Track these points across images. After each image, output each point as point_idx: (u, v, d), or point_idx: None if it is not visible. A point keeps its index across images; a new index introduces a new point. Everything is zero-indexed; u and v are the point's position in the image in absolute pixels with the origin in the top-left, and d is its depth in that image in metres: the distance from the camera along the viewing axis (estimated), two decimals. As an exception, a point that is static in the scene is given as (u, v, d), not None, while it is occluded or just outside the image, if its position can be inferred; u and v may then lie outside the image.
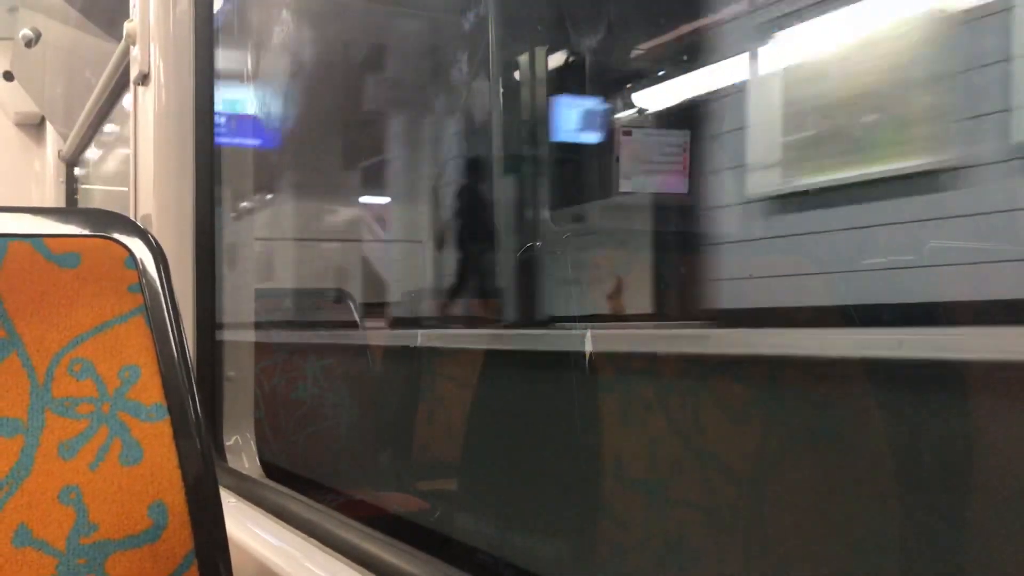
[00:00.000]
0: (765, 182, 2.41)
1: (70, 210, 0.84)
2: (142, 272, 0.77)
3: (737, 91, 2.56)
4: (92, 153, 3.30)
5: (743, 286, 2.19)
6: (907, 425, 0.87)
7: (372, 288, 3.38)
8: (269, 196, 3.26)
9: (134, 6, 1.61)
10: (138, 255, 0.77)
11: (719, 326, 2.05)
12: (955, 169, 1.84)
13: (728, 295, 2.24)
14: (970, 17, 1.79)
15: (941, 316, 1.44)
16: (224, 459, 1.47)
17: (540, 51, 3.57)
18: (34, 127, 3.94)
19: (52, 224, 0.76)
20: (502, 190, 3.52)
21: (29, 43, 3.47)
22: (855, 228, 2.04)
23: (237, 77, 1.88)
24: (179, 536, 0.72)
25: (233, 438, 1.50)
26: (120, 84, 2.34)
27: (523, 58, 3.66)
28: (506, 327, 2.72)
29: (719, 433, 0.95)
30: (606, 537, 1.00)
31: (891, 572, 0.89)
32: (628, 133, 3.11)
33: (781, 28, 2.21)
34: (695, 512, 0.94)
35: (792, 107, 2.33)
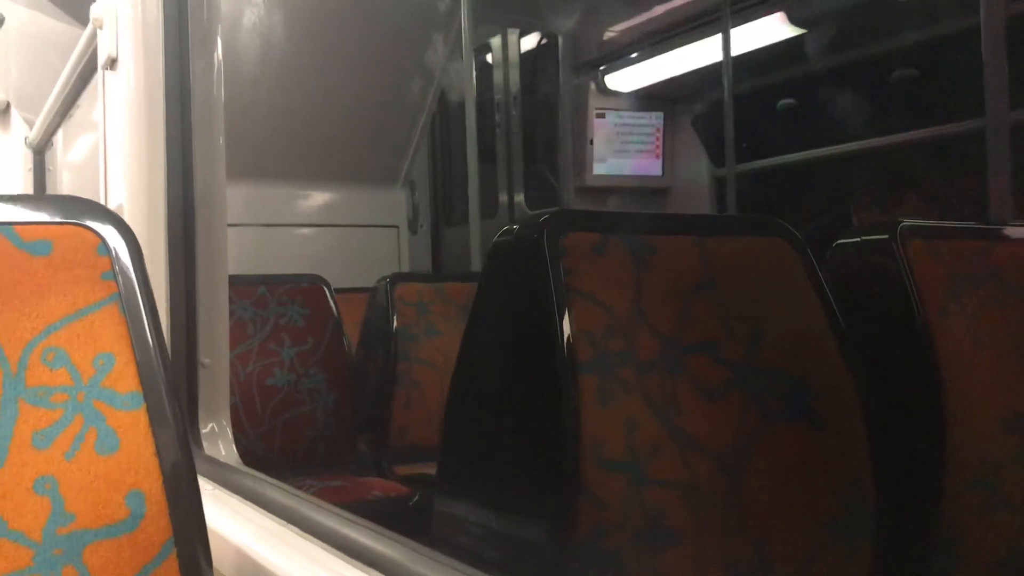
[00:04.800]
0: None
1: (40, 197, 0.82)
2: (115, 259, 0.76)
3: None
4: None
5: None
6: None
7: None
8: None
9: (101, -11, 1.59)
10: (110, 242, 0.76)
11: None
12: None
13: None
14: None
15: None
16: (200, 447, 1.46)
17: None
18: (-1, 113, 3.88)
19: (22, 212, 0.75)
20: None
21: (-8, 28, 3.41)
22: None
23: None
24: (157, 525, 0.72)
25: (209, 425, 1.49)
26: (88, 69, 2.30)
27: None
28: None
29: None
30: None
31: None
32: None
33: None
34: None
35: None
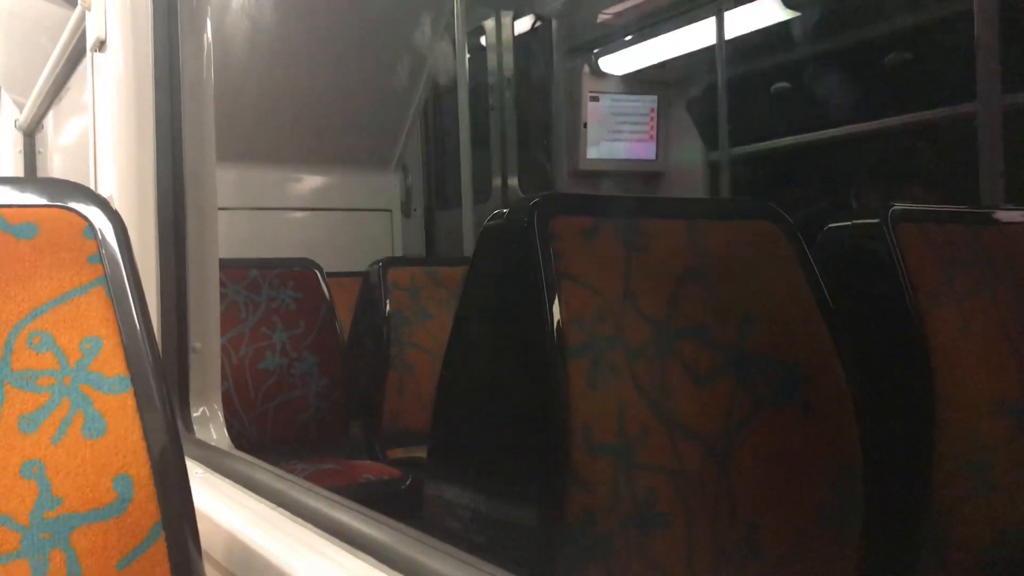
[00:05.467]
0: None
1: (26, 180, 0.82)
2: (102, 242, 0.75)
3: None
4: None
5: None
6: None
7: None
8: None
9: (89, -31, 1.57)
10: (97, 225, 0.76)
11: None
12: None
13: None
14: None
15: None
16: (191, 431, 1.46)
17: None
18: (-12, 96, 3.85)
19: (8, 194, 0.75)
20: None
21: (-19, 9, 3.38)
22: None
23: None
24: (145, 508, 0.72)
25: (200, 409, 1.48)
26: (77, 51, 2.29)
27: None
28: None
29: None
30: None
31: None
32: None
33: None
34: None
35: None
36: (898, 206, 1.27)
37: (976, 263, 1.28)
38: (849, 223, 1.35)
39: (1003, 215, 1.45)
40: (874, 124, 3.06)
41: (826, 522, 1.09)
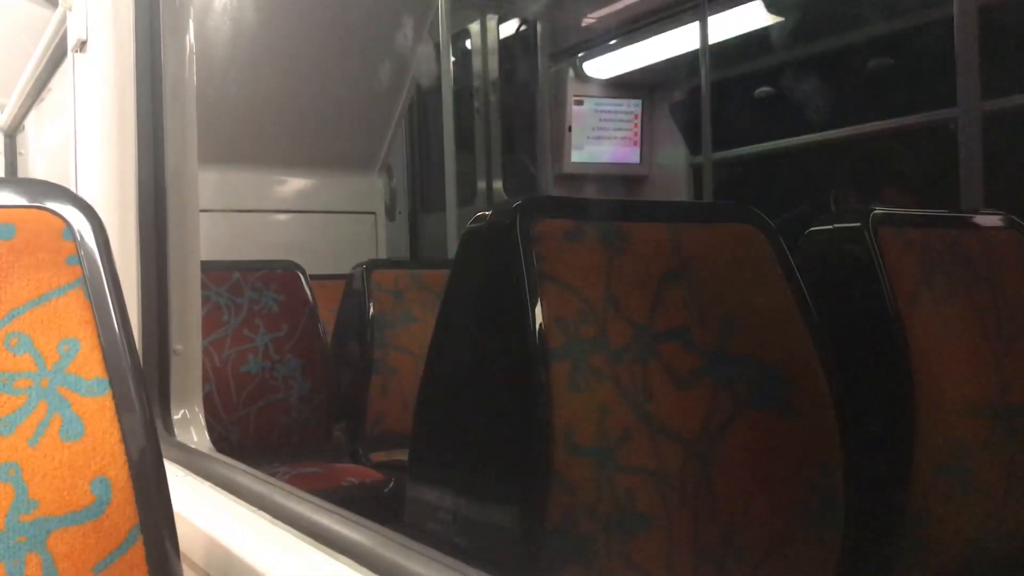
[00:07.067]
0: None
1: (4, 180, 0.81)
2: (80, 243, 0.75)
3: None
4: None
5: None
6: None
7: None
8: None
9: (70, -31, 1.56)
10: (76, 226, 0.75)
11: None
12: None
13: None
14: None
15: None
16: (172, 433, 1.45)
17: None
18: (-31, 97, 3.81)
19: (-16, 194, 0.74)
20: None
21: (-39, 9, 3.35)
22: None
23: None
24: (123, 511, 0.71)
25: (181, 412, 1.48)
26: (58, 52, 2.27)
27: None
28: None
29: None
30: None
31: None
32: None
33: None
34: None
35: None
36: (879, 210, 1.28)
37: (955, 266, 1.29)
38: (830, 226, 1.36)
39: (982, 219, 1.46)
40: (856, 128, 3.08)
41: (806, 523, 1.10)
